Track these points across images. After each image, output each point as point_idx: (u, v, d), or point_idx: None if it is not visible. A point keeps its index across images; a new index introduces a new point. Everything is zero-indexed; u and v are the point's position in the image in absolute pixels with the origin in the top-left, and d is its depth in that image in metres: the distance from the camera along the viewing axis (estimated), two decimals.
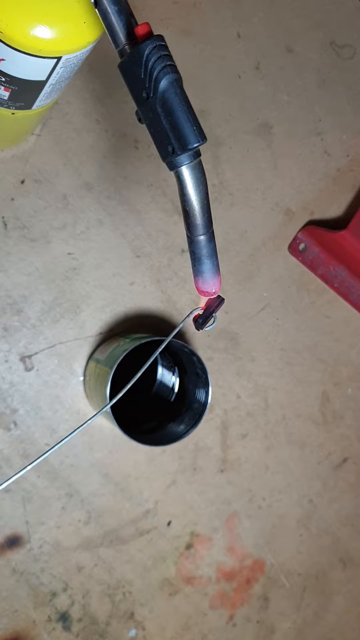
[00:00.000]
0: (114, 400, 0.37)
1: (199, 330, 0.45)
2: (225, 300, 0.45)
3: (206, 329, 0.45)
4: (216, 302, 0.45)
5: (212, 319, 0.45)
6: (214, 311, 0.45)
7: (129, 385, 0.37)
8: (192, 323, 0.46)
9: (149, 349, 0.76)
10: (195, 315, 0.45)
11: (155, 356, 0.41)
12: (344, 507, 0.87)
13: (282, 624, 0.84)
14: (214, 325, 0.45)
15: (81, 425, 0.35)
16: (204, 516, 0.79)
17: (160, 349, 0.41)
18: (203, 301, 0.45)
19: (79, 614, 0.73)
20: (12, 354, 0.70)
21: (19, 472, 0.32)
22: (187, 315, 0.45)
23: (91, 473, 0.73)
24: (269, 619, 0.83)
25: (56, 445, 0.34)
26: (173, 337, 0.69)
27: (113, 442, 0.74)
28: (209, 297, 0.44)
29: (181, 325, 0.44)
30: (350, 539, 0.88)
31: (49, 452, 0.34)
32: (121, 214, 0.74)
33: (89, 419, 0.37)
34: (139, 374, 0.39)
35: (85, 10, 0.43)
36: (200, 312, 0.45)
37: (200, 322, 0.45)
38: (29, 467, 0.33)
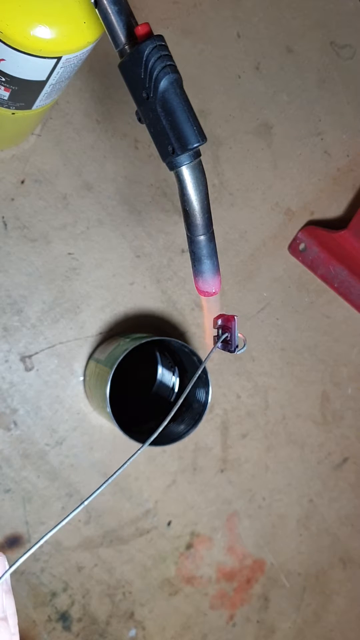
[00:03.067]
0: (151, 439, 0.36)
1: (232, 352, 0.44)
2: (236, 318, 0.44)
3: (238, 352, 0.44)
4: (233, 325, 0.44)
5: (243, 343, 0.44)
6: (234, 334, 0.44)
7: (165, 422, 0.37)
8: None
9: (149, 348, 0.76)
10: (208, 334, 0.45)
11: (192, 383, 0.40)
12: (344, 507, 0.87)
13: (282, 624, 0.84)
14: (245, 347, 0.44)
15: (125, 463, 0.34)
16: (204, 516, 0.79)
17: (198, 373, 0.40)
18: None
19: (79, 614, 0.73)
20: (12, 354, 0.70)
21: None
22: (216, 344, 0.44)
23: (91, 473, 0.73)
24: (269, 619, 0.83)
25: (104, 484, 0.34)
26: (173, 338, 0.69)
27: (113, 442, 0.74)
28: (218, 319, 0.43)
29: (212, 352, 0.43)
30: (350, 538, 0.88)
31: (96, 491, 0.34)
32: (121, 214, 0.74)
33: (132, 455, 0.36)
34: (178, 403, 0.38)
35: (85, 11, 0.43)
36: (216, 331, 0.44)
37: (231, 346, 0.44)
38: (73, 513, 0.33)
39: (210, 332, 0.45)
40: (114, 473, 0.34)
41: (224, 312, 0.45)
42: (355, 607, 0.89)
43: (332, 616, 0.87)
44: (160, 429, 0.36)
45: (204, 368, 0.68)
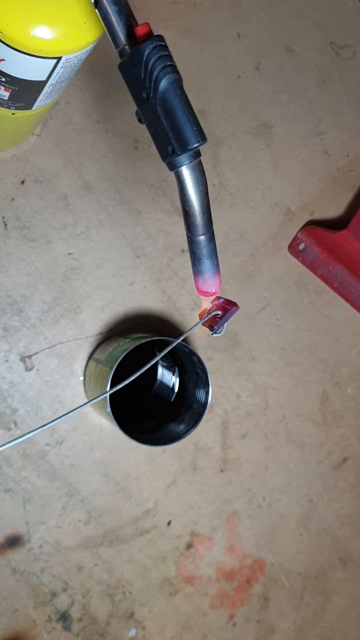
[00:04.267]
0: (116, 389, 0.37)
1: (213, 332, 0.45)
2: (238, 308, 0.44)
3: (214, 335, 0.45)
4: (231, 310, 0.44)
5: (223, 327, 0.44)
6: (225, 318, 0.44)
7: (134, 376, 0.37)
8: (193, 320, 0.46)
9: (149, 348, 0.76)
10: (204, 311, 0.45)
11: (161, 355, 0.40)
12: (344, 507, 0.87)
13: (282, 623, 0.84)
14: (222, 332, 0.44)
15: (74, 409, 0.35)
16: (204, 516, 0.79)
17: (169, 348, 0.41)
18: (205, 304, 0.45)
19: (79, 614, 0.73)
20: (12, 354, 0.70)
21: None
22: (204, 318, 0.44)
23: (91, 473, 0.73)
24: (269, 618, 0.83)
25: (45, 425, 0.34)
26: (173, 338, 0.69)
27: (113, 442, 0.74)
28: (211, 299, 0.44)
29: (195, 327, 0.44)
30: (350, 538, 0.88)
31: (36, 431, 0.34)
32: (121, 214, 0.74)
33: (86, 403, 0.36)
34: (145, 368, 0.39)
35: (85, 11, 0.43)
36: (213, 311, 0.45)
37: (214, 326, 0.44)
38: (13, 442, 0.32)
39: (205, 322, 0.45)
40: (65, 414, 0.34)
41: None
42: (355, 607, 0.89)
43: (332, 616, 0.87)
44: (122, 385, 0.36)
45: (204, 368, 0.68)
